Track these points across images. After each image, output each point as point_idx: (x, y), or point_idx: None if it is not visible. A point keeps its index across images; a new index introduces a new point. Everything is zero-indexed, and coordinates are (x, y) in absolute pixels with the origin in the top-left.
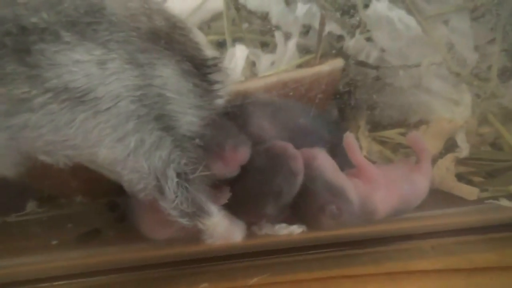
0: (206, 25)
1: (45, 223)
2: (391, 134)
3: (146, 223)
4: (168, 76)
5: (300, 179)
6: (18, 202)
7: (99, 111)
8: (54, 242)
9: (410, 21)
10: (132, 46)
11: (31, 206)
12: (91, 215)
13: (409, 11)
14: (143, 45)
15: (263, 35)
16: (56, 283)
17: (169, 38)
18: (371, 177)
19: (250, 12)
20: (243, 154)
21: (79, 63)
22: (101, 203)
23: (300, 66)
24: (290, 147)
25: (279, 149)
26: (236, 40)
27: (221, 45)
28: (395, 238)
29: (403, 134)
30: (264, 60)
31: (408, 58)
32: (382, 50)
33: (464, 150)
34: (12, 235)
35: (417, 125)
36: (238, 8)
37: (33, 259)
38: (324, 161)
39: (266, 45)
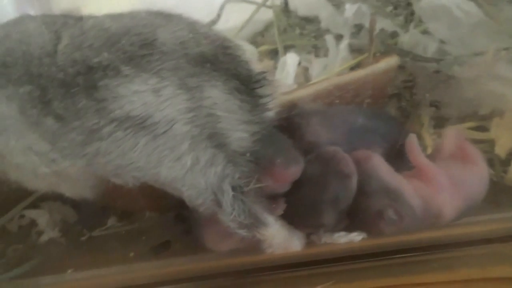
0: (260, 35)
1: (123, 237)
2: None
3: (208, 236)
4: (217, 96)
5: (354, 181)
6: (101, 218)
7: (158, 135)
8: (131, 254)
9: (470, 6)
10: (182, 71)
11: (111, 221)
12: (162, 228)
13: None
14: (192, 70)
15: (315, 39)
16: None
17: (216, 59)
18: (433, 178)
19: (301, 18)
20: (293, 172)
21: (137, 93)
22: (171, 216)
23: (353, 67)
24: (338, 151)
25: (328, 154)
26: (288, 47)
27: (275, 54)
28: (471, 242)
29: (473, 129)
30: (317, 64)
31: (471, 46)
32: (441, 42)
33: None
34: (96, 249)
35: (489, 117)
36: (288, 15)
37: (115, 270)
38: (377, 162)
39: (320, 49)
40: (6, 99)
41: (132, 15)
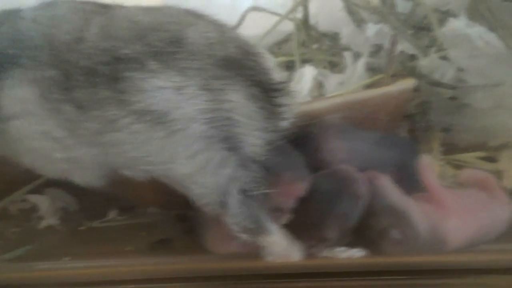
0: (277, 47)
1: (123, 230)
2: (468, 158)
3: (210, 237)
4: (238, 100)
5: (364, 203)
6: (102, 210)
7: (174, 131)
8: (128, 248)
9: (492, 38)
10: (207, 73)
11: (112, 214)
12: (163, 225)
13: (491, 28)
14: (217, 72)
15: (332, 55)
16: (130, 286)
17: (240, 65)
18: (444, 203)
19: (320, 33)
20: (298, 189)
21: (160, 89)
22: (172, 214)
23: (369, 86)
24: (354, 171)
25: (343, 173)
26: (305, 61)
27: (290, 66)
28: (472, 271)
29: (483, 158)
30: (332, 80)
31: (489, 77)
32: (460, 69)
33: None
34: (94, 240)
35: (500, 148)
36: (309, 29)
37: (110, 262)
38: (384, 182)
39: (335, 66)
40: (28, 82)
41: (164, 11)
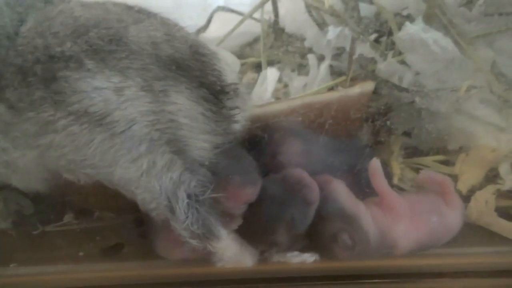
0: (248, 47)
1: (77, 235)
2: (427, 161)
3: (160, 243)
4: (182, 102)
5: (314, 209)
6: (57, 213)
7: (115, 134)
8: (81, 254)
9: (447, 43)
10: (149, 73)
11: (68, 217)
12: (119, 229)
13: (447, 33)
14: (160, 73)
15: (301, 57)
16: None
17: (186, 65)
18: (393, 207)
19: (289, 35)
20: (248, 194)
21: (98, 90)
22: (129, 219)
23: (331, 88)
24: (306, 176)
25: (295, 178)
26: (274, 62)
27: (260, 67)
28: (422, 275)
29: (441, 162)
30: (296, 82)
31: (445, 81)
32: (417, 73)
33: (508, 181)
34: (46, 244)
35: (457, 152)
36: (277, 31)
37: (60, 269)
38: (337, 186)
39: (303, 67)
40: None
41: (105, 7)
